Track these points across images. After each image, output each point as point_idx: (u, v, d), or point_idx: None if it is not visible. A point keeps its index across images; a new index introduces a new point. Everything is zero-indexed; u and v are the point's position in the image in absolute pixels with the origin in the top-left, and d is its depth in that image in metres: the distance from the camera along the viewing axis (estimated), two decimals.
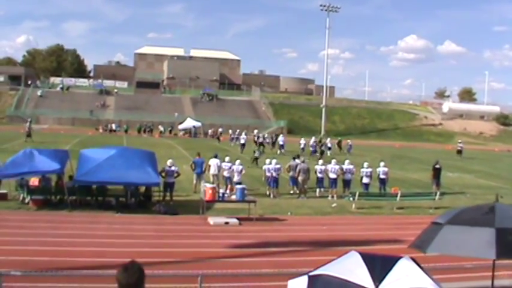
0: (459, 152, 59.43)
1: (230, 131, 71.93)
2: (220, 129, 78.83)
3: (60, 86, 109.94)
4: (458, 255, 5.86)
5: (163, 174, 24.86)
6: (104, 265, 12.91)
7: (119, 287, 4.47)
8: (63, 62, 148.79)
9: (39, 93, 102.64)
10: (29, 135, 55.81)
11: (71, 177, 23.84)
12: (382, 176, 29.77)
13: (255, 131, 69.50)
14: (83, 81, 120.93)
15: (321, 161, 31.34)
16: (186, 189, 28.14)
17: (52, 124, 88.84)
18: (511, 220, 5.32)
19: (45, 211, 22.01)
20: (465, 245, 5.29)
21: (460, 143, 64.52)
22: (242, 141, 56.92)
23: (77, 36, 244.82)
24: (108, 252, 15.77)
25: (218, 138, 71.39)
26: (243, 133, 60.69)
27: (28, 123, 60.67)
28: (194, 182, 28.16)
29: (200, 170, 28.20)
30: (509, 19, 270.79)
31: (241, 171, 27.53)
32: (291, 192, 29.32)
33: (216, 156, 29.14)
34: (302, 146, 55.71)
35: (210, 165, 28.39)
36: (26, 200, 23.17)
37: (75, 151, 28.88)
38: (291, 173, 29.16)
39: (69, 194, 22.81)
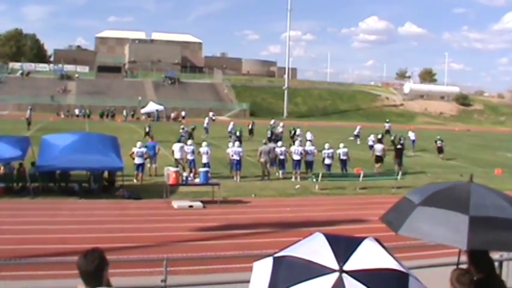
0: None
1: None
2: (183, 113, 78.40)
3: (20, 71, 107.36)
4: (430, 241, 5.85)
5: (133, 156, 25.76)
6: (68, 251, 12.83)
7: (79, 274, 4.47)
8: (22, 46, 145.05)
9: None
10: (29, 123, 54.69)
11: (32, 164, 23.56)
12: (342, 157, 30.08)
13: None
14: (43, 66, 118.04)
15: (280, 143, 31.39)
16: (147, 173, 28.08)
17: (12, 110, 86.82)
18: (486, 208, 5.19)
19: (7, 199, 21.74)
20: (437, 230, 5.18)
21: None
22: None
23: (37, 20, 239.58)
24: (72, 239, 15.68)
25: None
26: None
27: (29, 111, 58.88)
28: (148, 165, 28.30)
29: (152, 153, 28.53)
30: (467, 1, 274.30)
31: (207, 152, 27.70)
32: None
33: (179, 141, 29.31)
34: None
35: (173, 150, 28.51)
36: None
37: (36, 137, 28.49)
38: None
39: (31, 180, 22.60)
